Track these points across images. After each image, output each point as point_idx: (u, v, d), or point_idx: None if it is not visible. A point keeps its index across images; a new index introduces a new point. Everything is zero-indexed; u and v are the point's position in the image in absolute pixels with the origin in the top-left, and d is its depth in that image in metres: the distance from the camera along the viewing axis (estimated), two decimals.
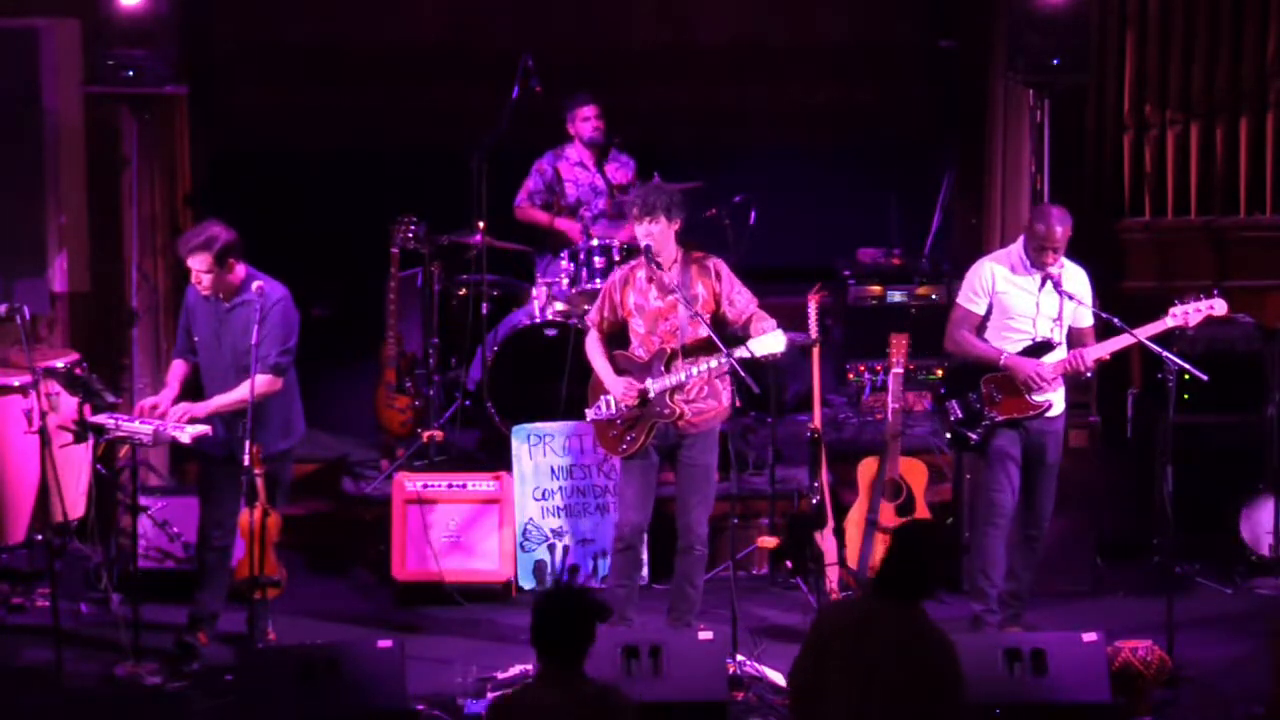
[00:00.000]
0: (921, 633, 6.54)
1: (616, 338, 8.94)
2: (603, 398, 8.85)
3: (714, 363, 8.62)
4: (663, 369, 8.70)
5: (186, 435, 8.74)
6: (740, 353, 8.53)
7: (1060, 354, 8.89)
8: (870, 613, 6.61)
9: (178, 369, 9.13)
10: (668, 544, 9.06)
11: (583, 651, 6.25)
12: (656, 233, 8.67)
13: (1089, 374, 8.96)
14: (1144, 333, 8.75)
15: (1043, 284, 8.87)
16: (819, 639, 6.62)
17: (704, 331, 8.62)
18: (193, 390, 9.08)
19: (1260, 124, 11.30)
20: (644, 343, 8.80)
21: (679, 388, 8.70)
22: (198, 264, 8.75)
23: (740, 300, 8.79)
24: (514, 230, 11.03)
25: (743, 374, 8.48)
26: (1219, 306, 8.80)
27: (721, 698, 8.15)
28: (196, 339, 9.00)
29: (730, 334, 8.76)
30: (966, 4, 11.81)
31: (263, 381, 8.68)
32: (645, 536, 9.04)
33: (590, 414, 8.92)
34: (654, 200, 8.66)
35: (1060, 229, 8.77)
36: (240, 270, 8.85)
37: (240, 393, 8.69)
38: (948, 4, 12.23)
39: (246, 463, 8.57)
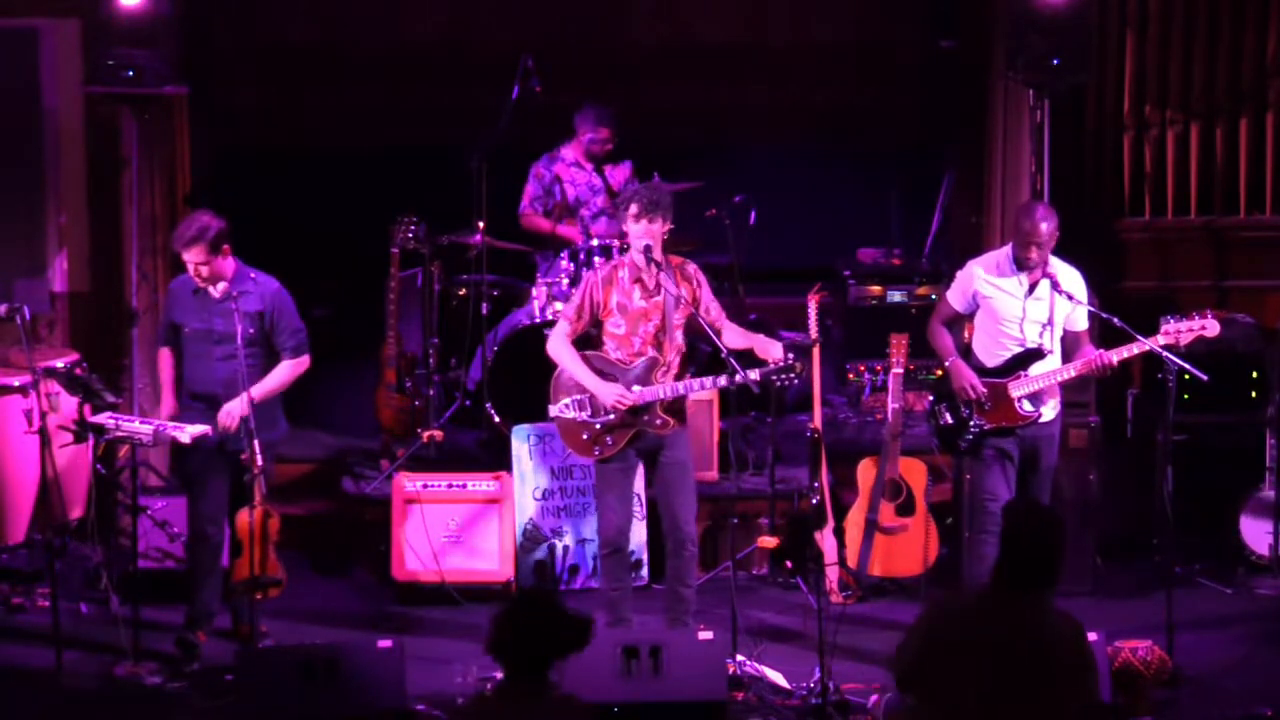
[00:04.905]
0: (1053, 622, 6.35)
1: (579, 338, 8.87)
2: (573, 397, 8.76)
3: (721, 380, 8.61)
4: (653, 378, 8.67)
5: (186, 435, 8.72)
6: (751, 375, 8.50)
7: (1053, 362, 8.84)
8: (996, 603, 6.40)
9: (168, 361, 9.05)
10: None
11: (549, 662, 5.95)
12: (656, 233, 8.67)
13: (1111, 371, 8.87)
14: (1137, 348, 8.69)
15: (1032, 288, 8.80)
16: (929, 627, 6.42)
17: (696, 337, 8.64)
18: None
19: (1260, 124, 11.30)
20: (622, 344, 8.74)
21: (681, 399, 8.70)
22: (195, 256, 8.73)
23: (715, 309, 8.82)
24: (514, 230, 11.04)
25: (741, 374, 8.48)
26: (1211, 328, 8.65)
27: (721, 698, 8.14)
28: (187, 331, 8.95)
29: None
30: (966, 4, 11.81)
31: (291, 366, 8.91)
32: (632, 536, 9.01)
33: (555, 411, 8.81)
34: (657, 200, 8.65)
35: (1045, 225, 8.67)
36: (231, 260, 8.86)
37: (277, 378, 8.87)
38: (948, 4, 12.23)
39: (247, 461, 8.58)
